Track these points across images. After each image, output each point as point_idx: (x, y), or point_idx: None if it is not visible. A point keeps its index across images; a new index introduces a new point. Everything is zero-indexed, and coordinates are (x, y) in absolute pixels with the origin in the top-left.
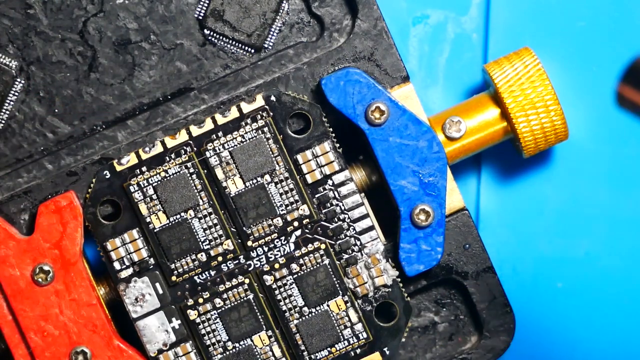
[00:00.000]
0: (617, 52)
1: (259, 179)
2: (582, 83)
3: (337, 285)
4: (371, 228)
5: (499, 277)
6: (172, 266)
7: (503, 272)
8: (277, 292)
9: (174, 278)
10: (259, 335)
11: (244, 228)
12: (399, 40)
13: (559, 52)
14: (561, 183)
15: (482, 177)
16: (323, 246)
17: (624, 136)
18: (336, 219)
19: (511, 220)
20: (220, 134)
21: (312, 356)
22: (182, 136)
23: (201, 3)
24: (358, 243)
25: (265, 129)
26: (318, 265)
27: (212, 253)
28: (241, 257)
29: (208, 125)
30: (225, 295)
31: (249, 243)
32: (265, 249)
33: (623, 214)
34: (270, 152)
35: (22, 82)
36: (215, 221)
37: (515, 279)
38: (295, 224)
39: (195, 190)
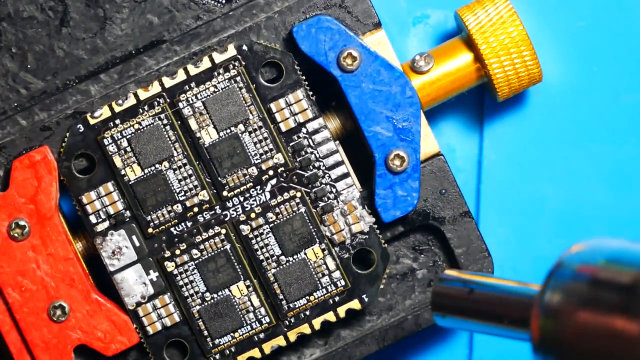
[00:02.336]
0: None
1: (232, 128)
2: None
3: (314, 233)
4: (346, 175)
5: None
6: (148, 218)
7: (503, 272)
8: (253, 241)
9: (150, 230)
10: (237, 286)
11: (219, 178)
12: (399, 40)
13: None
14: (560, 180)
15: (482, 177)
16: (299, 194)
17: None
18: (311, 167)
19: (511, 219)
20: (192, 84)
21: (291, 305)
22: (155, 88)
23: None
24: (334, 190)
25: (238, 79)
26: (294, 214)
27: (188, 204)
28: (217, 207)
29: (180, 76)
30: (202, 246)
31: (225, 193)
32: (241, 198)
33: (623, 214)
34: (244, 102)
35: None
36: (190, 172)
37: (515, 279)
38: (271, 172)
39: (170, 142)
